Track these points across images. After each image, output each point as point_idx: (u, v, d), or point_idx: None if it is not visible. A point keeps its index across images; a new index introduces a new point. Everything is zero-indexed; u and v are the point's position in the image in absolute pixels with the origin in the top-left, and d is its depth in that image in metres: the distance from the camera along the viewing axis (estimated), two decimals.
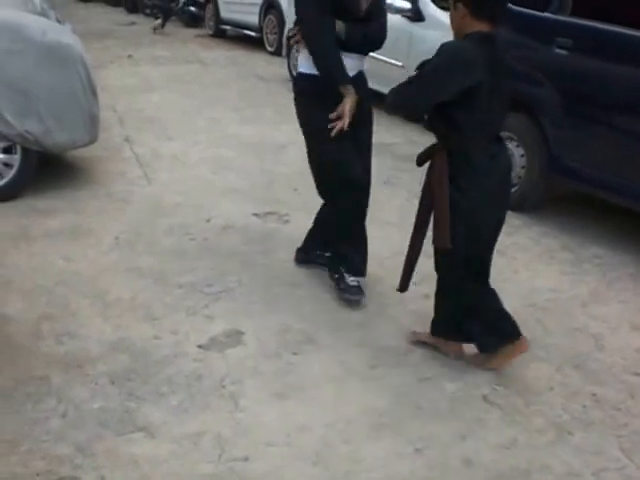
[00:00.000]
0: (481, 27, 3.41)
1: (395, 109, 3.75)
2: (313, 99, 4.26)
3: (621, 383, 3.89)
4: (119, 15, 22.01)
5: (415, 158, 3.74)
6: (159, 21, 17.50)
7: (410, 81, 3.49)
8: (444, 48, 3.42)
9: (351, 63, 4.20)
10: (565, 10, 5.69)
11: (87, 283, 4.64)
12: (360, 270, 4.52)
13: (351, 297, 4.46)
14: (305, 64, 4.25)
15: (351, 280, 4.47)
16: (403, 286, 3.93)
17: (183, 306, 4.37)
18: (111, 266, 4.85)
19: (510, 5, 6.08)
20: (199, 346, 3.97)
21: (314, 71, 4.19)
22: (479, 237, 3.60)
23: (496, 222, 3.68)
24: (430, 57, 3.45)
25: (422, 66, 3.50)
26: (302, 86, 4.35)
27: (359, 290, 4.48)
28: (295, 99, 4.41)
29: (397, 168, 6.95)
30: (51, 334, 4.06)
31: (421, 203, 3.72)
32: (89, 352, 3.90)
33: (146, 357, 3.86)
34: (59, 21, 6.99)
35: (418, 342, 4.06)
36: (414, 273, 3.90)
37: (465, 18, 3.43)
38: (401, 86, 3.53)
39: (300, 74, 4.33)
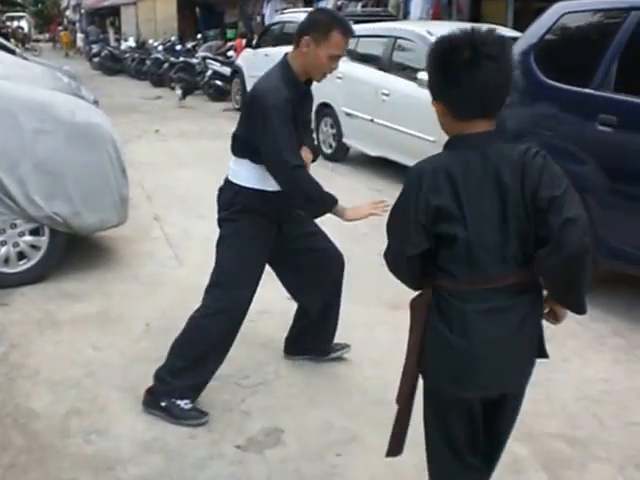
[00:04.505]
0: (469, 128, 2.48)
1: None
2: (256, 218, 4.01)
3: None
4: (145, 89, 22.28)
5: None
6: (179, 92, 17.73)
7: None
8: None
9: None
10: (608, 86, 5.53)
11: (117, 374, 4.45)
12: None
13: None
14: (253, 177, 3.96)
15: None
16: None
17: (219, 400, 4.15)
18: (142, 355, 4.64)
19: (551, 81, 5.98)
20: (236, 446, 3.74)
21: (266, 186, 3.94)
22: None
23: None
24: None
25: None
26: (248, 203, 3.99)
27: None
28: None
29: None
30: (80, 432, 3.86)
31: None
32: (120, 452, 3.69)
33: (181, 459, 3.63)
34: (96, 102, 6.95)
35: None
36: None
37: (446, 117, 2.52)
38: None
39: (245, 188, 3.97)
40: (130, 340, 4.91)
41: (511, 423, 2.76)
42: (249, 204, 3.95)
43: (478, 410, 2.61)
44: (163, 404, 3.97)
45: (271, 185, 3.92)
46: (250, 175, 3.94)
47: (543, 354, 2.63)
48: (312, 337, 4.56)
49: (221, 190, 4.09)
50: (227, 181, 4.05)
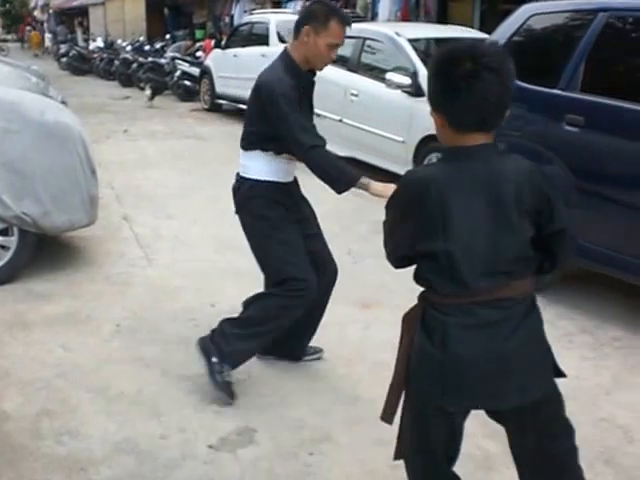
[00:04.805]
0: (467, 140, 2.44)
1: None
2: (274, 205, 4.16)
3: None
4: (113, 89, 22.13)
5: None
6: (148, 92, 17.69)
7: None
8: None
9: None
10: (575, 87, 5.58)
11: (88, 375, 4.43)
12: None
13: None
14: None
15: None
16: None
17: (191, 400, 4.15)
18: (113, 356, 4.64)
19: (519, 82, 6.03)
20: (209, 446, 3.73)
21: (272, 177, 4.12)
22: None
23: None
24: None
25: None
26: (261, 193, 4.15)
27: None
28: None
29: None
30: (51, 433, 3.84)
31: None
32: (92, 453, 3.66)
33: (153, 459, 3.62)
34: (64, 102, 6.91)
35: None
36: None
37: (444, 128, 2.48)
38: None
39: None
40: (100, 340, 4.89)
41: (537, 437, 2.65)
42: (269, 196, 4.09)
43: (460, 423, 2.58)
44: (214, 360, 4.10)
45: (282, 177, 4.14)
46: (262, 168, 4.09)
47: (558, 372, 2.61)
48: (288, 340, 4.52)
49: (236, 188, 4.21)
50: (240, 178, 4.19)
